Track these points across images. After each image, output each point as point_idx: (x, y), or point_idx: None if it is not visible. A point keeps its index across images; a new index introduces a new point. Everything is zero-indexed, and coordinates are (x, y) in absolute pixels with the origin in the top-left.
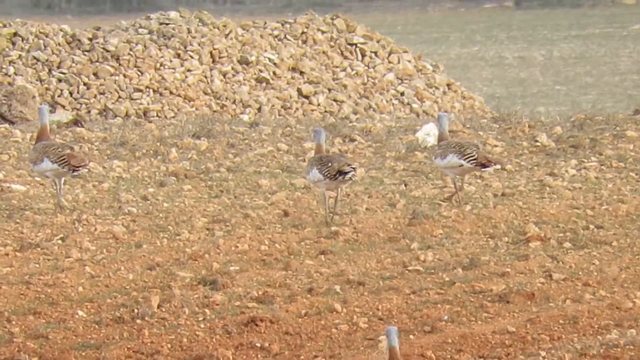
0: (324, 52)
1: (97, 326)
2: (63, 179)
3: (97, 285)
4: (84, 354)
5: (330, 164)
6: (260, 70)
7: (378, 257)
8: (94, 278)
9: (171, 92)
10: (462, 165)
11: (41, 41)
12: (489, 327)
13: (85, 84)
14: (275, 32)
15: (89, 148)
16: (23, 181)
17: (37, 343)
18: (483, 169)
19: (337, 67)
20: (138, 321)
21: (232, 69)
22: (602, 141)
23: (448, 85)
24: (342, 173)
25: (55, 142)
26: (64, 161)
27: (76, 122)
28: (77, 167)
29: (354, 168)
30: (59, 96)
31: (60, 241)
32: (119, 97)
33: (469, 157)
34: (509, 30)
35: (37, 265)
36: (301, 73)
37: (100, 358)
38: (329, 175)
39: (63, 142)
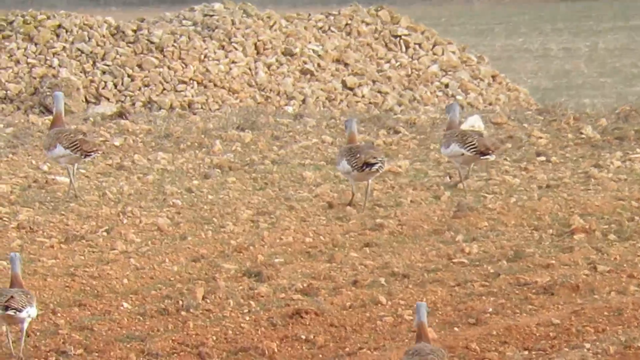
0: (368, 44)
1: (141, 318)
2: (76, 165)
3: (142, 277)
4: (128, 345)
5: (358, 155)
6: (305, 62)
7: (422, 249)
8: (138, 270)
9: (215, 84)
10: (463, 154)
11: (85, 33)
12: (533, 319)
13: (129, 76)
14: (320, 24)
15: (133, 140)
16: (63, 173)
17: (82, 335)
18: (482, 157)
19: (381, 58)
20: (183, 313)
21: (277, 60)
22: None
23: (493, 77)
24: (368, 165)
25: (68, 128)
26: (76, 147)
27: (120, 115)
28: (89, 152)
29: (381, 160)
30: (103, 88)
31: (105, 233)
32: (164, 89)
33: (469, 146)
34: (554, 21)
35: (82, 257)
36: (345, 65)
37: (145, 350)
38: (356, 166)
39: (76, 128)
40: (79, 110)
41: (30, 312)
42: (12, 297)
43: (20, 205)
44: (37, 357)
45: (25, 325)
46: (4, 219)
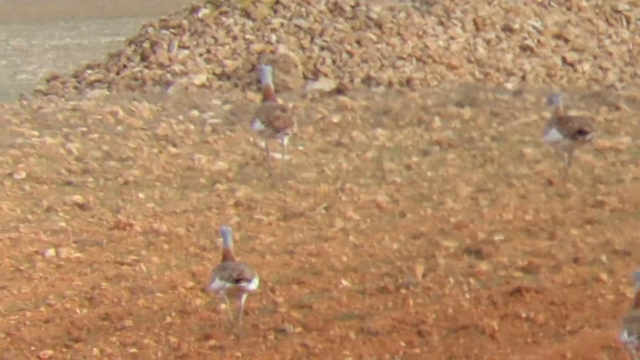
0: (588, 20)
1: (361, 296)
2: (283, 141)
3: (361, 255)
4: (347, 324)
5: (570, 124)
6: (524, 38)
7: None
8: (357, 247)
9: (434, 60)
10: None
11: (303, 9)
12: None
13: (347, 52)
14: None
15: (351, 117)
16: (286, 150)
17: (301, 313)
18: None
19: (602, 34)
20: (402, 291)
21: (496, 36)
22: None
23: None
24: (582, 132)
25: (272, 103)
26: (270, 123)
27: (339, 91)
28: (279, 129)
29: (595, 129)
30: (321, 64)
31: (323, 210)
32: (382, 65)
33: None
34: None
35: (301, 235)
36: (565, 41)
37: (364, 328)
38: (568, 134)
39: (281, 104)
40: (297, 86)
41: (256, 284)
42: (242, 269)
43: (238, 183)
44: (256, 335)
45: (244, 300)
46: (222, 196)
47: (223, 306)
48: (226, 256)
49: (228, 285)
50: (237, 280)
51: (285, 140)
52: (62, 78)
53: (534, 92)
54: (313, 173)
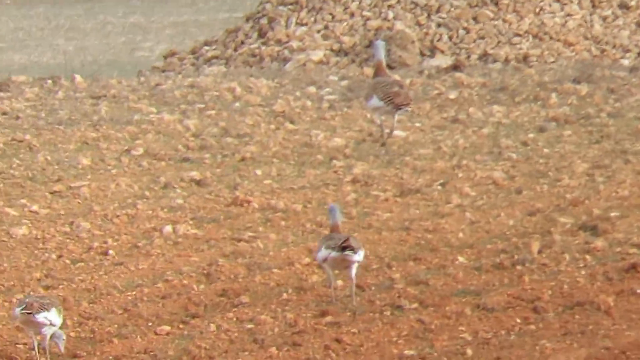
0: None
1: (477, 272)
2: (396, 116)
3: (477, 231)
4: (464, 300)
5: None
6: None
7: None
8: (474, 224)
9: (551, 37)
10: None
11: None
12: None
13: (464, 29)
14: None
15: (468, 93)
16: (402, 127)
17: (417, 289)
18: None
19: None
20: (518, 267)
21: (612, 13)
22: None
23: None
24: None
25: (387, 79)
26: (389, 99)
27: (455, 67)
28: (400, 106)
29: None
30: (437, 41)
31: (440, 187)
32: (499, 42)
33: None
34: None
35: (417, 211)
36: None
37: (480, 304)
38: None
39: (394, 80)
40: (414, 63)
41: (361, 256)
42: (348, 238)
43: (355, 159)
44: (372, 311)
45: (354, 273)
46: (339, 172)
47: (335, 282)
48: (333, 232)
49: (334, 254)
50: (343, 249)
51: (397, 117)
52: (180, 54)
53: None
54: (429, 149)
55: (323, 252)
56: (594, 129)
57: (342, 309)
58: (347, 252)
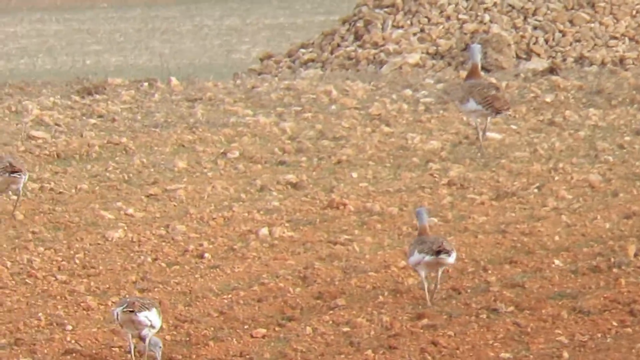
0: None
1: (573, 275)
2: (488, 119)
3: (574, 234)
4: (560, 303)
5: None
6: None
7: None
8: (570, 227)
9: None
10: None
11: None
12: None
13: (560, 32)
14: None
15: (564, 96)
16: (499, 129)
17: (513, 292)
18: None
19: None
20: (614, 270)
21: None
22: None
23: None
24: None
25: (482, 81)
26: (488, 103)
27: (551, 70)
28: (500, 110)
29: None
30: (534, 44)
31: (536, 190)
32: (595, 44)
33: None
34: None
35: (513, 214)
36: None
37: (577, 307)
38: None
39: (490, 83)
40: (510, 66)
41: (454, 258)
42: (441, 242)
43: (451, 162)
44: (467, 314)
45: (440, 273)
46: (435, 175)
47: (423, 279)
48: (422, 234)
49: (427, 258)
50: (437, 252)
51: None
52: (276, 57)
53: None
54: (526, 152)
55: (416, 257)
56: None
57: (438, 311)
58: (441, 256)
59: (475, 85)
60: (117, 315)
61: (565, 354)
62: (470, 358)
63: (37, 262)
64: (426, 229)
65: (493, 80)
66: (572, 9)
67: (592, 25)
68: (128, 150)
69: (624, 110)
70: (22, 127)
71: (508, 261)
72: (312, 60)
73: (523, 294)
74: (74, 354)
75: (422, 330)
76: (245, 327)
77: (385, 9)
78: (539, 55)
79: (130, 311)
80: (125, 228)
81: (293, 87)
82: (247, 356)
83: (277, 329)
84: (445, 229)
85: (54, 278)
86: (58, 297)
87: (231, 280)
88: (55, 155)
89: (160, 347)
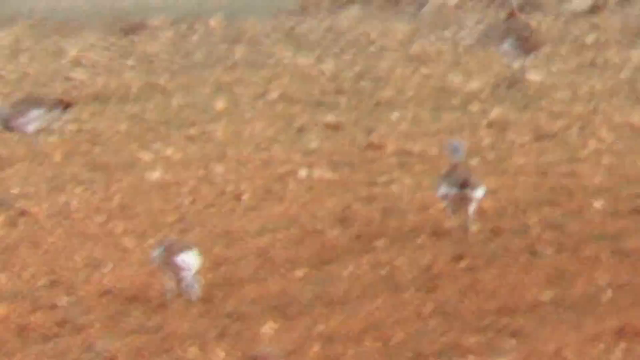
0: None
1: (613, 217)
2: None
3: (614, 176)
4: (600, 244)
5: None
6: None
7: None
8: (610, 168)
9: None
10: None
11: None
12: None
13: None
14: None
15: (605, 38)
16: (539, 71)
17: (553, 234)
18: None
19: None
20: None
21: None
22: None
23: None
24: None
25: (518, 23)
26: (520, 43)
27: (593, 11)
28: (530, 50)
29: None
30: None
31: (577, 131)
32: None
33: None
34: None
35: (554, 156)
36: None
37: (617, 249)
38: None
39: (526, 23)
40: (551, 6)
41: (482, 192)
42: (468, 176)
43: (490, 104)
44: (507, 257)
45: (472, 209)
46: (475, 117)
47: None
48: (454, 169)
49: (453, 191)
50: (462, 186)
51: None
52: None
53: None
54: (566, 93)
55: (443, 189)
56: None
57: (478, 253)
58: (466, 190)
59: (511, 25)
60: (156, 256)
61: (606, 296)
62: (510, 299)
63: (74, 203)
64: (458, 165)
65: (531, 21)
66: None
67: None
68: (166, 91)
69: None
70: (60, 68)
71: (548, 203)
72: (352, 1)
73: (563, 236)
74: (111, 295)
75: (461, 272)
76: (283, 269)
77: None
78: None
79: (169, 253)
80: (163, 169)
81: (333, 28)
82: (286, 298)
83: (314, 271)
84: (485, 170)
85: (91, 220)
86: (95, 239)
87: (269, 222)
88: (94, 97)
89: (198, 289)
